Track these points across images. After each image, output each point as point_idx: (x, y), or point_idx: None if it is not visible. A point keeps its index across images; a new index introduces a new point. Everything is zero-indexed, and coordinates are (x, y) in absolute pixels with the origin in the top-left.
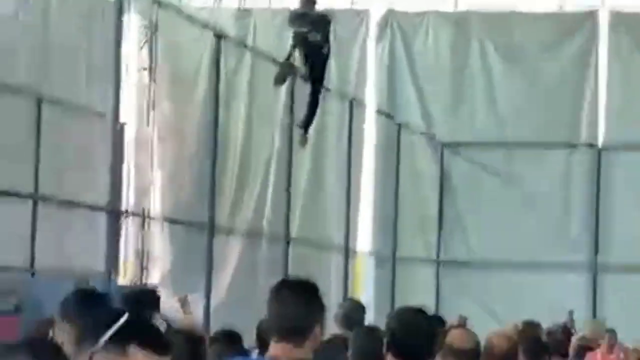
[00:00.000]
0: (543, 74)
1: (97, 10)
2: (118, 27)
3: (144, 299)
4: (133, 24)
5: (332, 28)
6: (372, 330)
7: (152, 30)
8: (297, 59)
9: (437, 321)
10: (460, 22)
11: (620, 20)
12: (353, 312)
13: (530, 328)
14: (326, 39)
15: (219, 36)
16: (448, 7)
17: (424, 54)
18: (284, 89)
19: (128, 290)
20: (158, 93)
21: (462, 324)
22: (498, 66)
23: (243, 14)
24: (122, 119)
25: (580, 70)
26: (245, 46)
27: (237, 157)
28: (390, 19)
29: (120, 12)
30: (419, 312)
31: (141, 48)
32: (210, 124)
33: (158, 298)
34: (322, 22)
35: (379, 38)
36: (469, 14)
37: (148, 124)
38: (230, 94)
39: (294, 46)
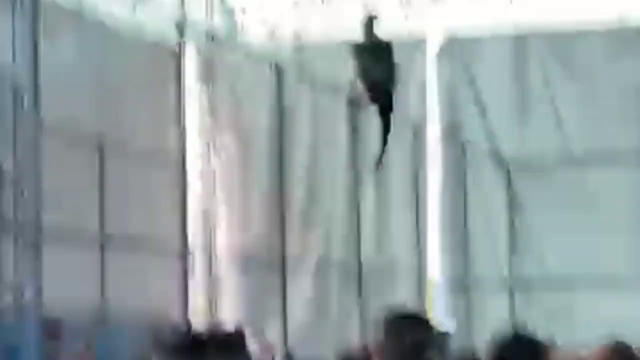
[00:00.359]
0: (608, 89)
1: (157, 54)
2: (178, 69)
3: (234, 342)
4: (191, 65)
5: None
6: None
7: (211, 70)
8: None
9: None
10: (519, 44)
11: None
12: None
13: (625, 349)
14: (390, 68)
15: (279, 69)
16: (507, 30)
17: (486, 78)
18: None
19: (213, 333)
20: (221, 132)
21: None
22: (561, 84)
23: (299, 47)
24: (187, 160)
25: None
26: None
27: (302, 189)
28: (449, 47)
29: (180, 55)
30: (526, 338)
31: (202, 88)
32: (275, 156)
33: (244, 339)
34: (386, 51)
35: (439, 66)
36: (528, 36)
37: (212, 164)
38: (292, 127)
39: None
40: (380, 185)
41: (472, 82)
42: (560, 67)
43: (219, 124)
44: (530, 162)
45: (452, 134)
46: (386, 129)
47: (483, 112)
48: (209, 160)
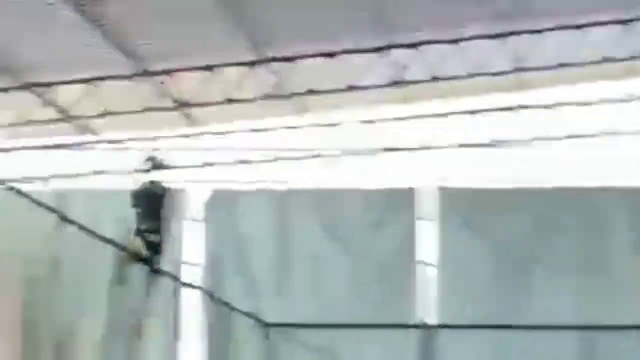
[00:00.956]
0: (371, 251)
1: None
2: None
3: None
4: None
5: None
6: None
7: None
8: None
9: None
10: (283, 199)
11: (447, 196)
12: None
13: None
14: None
15: None
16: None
17: (249, 233)
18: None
19: None
20: None
21: None
22: (324, 245)
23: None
24: None
25: (409, 249)
26: None
27: None
28: (215, 199)
29: None
30: None
31: None
32: None
33: None
34: (155, 201)
35: (207, 218)
36: (293, 192)
37: None
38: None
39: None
40: None
41: (235, 238)
42: (324, 228)
43: None
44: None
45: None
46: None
47: (244, 270)
48: None
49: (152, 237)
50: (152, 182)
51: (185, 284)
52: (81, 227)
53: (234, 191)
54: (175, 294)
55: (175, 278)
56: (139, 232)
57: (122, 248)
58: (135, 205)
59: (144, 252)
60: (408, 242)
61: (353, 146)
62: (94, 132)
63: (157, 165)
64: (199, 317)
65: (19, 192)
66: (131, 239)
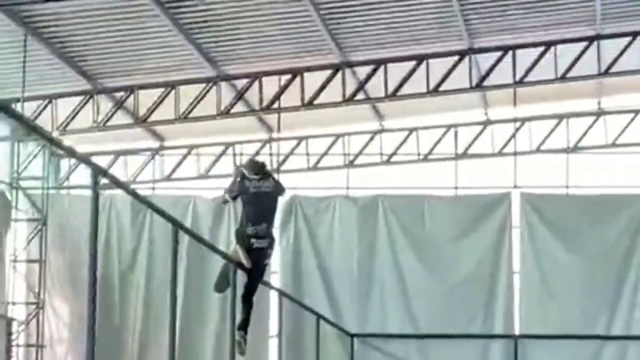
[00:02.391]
0: (456, 260)
1: None
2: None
3: None
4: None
5: None
6: None
7: (42, 222)
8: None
9: None
10: (367, 205)
11: (530, 201)
12: None
13: None
14: (272, 237)
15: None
16: (354, 192)
17: (330, 240)
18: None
19: None
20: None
21: None
22: (408, 253)
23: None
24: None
25: (494, 257)
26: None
27: None
28: (294, 204)
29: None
30: None
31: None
32: None
33: None
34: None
35: (284, 224)
36: (377, 198)
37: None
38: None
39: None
40: None
41: (315, 244)
42: (408, 237)
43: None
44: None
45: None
46: (250, 300)
47: (327, 278)
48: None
49: (257, 244)
50: (264, 182)
51: (281, 293)
52: (192, 235)
53: (313, 197)
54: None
55: (269, 285)
56: (243, 238)
57: (225, 256)
58: (245, 207)
59: (247, 262)
60: (494, 250)
61: (434, 152)
62: (163, 139)
63: (261, 171)
64: (283, 325)
65: (136, 195)
66: (235, 248)
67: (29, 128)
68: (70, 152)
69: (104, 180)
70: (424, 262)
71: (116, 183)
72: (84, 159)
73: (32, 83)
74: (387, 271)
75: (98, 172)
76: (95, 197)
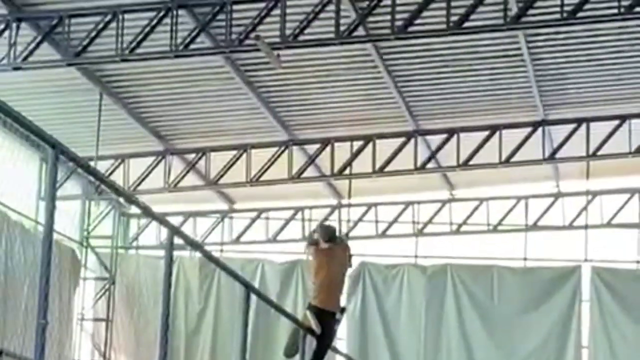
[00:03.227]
0: (524, 333)
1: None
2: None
3: None
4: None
5: None
6: None
7: (110, 281)
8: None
9: None
10: (435, 274)
11: (600, 275)
12: None
13: None
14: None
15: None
16: (422, 261)
17: (398, 308)
18: None
19: None
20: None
21: None
22: (476, 325)
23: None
24: None
25: (563, 331)
26: None
27: None
28: (363, 271)
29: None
30: None
31: (97, 300)
32: None
33: None
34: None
35: (351, 290)
36: (445, 267)
37: None
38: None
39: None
40: None
41: (382, 311)
42: (475, 306)
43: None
44: None
45: None
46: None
47: (392, 347)
48: None
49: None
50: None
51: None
52: (263, 298)
53: (381, 264)
54: None
55: (337, 351)
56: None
57: (296, 321)
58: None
59: (317, 329)
60: (563, 324)
61: (504, 222)
62: (233, 201)
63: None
64: None
65: (209, 256)
66: (307, 314)
67: (107, 186)
68: (146, 211)
69: (175, 241)
70: (491, 334)
71: (190, 243)
72: (160, 218)
73: (106, 142)
74: (455, 342)
75: (173, 231)
76: (170, 257)
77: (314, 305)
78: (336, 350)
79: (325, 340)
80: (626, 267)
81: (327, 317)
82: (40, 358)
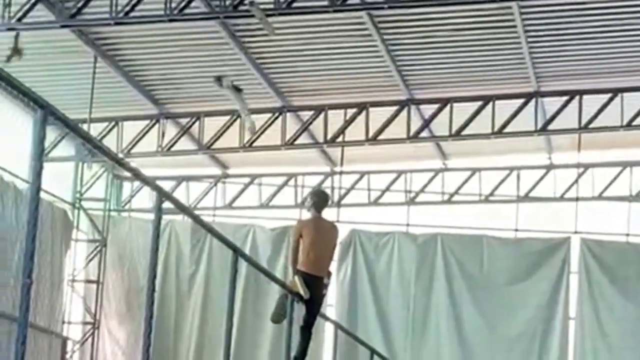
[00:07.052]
0: (512, 303)
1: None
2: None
3: None
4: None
5: None
6: None
7: (102, 243)
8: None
9: None
10: (426, 243)
11: (590, 247)
12: None
13: None
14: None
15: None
16: (414, 230)
17: (388, 275)
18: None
19: None
20: (106, 306)
21: None
22: (464, 294)
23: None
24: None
25: (551, 302)
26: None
27: None
28: (353, 238)
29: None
30: None
31: (88, 262)
32: None
33: None
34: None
35: (342, 257)
36: (436, 236)
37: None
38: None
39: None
40: None
41: (372, 279)
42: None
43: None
44: None
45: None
46: (309, 332)
47: (382, 315)
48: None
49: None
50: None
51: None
52: (252, 263)
53: (372, 232)
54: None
55: (326, 318)
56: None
57: (284, 286)
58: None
59: (305, 294)
60: (551, 295)
61: (495, 193)
62: (226, 166)
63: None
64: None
65: (199, 220)
66: (295, 279)
67: (96, 148)
68: (136, 175)
69: (166, 205)
70: (480, 304)
71: (180, 207)
72: (149, 182)
73: (99, 105)
74: (443, 311)
75: (162, 195)
76: (158, 221)
77: (302, 270)
78: (325, 317)
79: (314, 305)
80: (615, 240)
81: (315, 283)
82: (25, 316)
